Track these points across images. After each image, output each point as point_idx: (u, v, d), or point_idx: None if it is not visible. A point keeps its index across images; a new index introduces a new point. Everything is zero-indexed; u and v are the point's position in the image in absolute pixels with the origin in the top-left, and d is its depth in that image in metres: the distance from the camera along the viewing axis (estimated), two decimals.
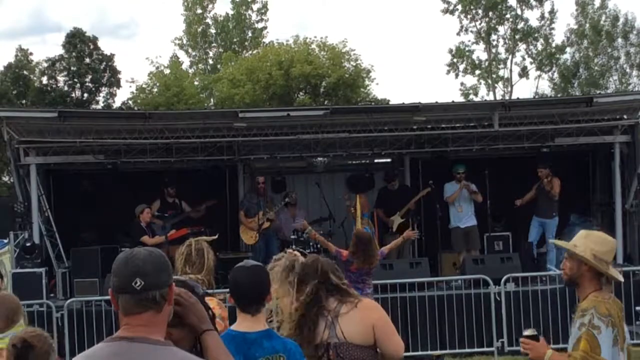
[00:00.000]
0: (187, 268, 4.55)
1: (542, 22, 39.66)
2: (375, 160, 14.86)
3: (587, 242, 3.82)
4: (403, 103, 12.86)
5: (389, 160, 14.63)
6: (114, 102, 35.98)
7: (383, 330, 3.97)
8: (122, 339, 2.30)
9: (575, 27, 40.30)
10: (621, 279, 3.87)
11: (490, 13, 39.69)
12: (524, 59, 40.60)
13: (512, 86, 40.68)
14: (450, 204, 12.28)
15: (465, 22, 40.17)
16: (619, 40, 39.70)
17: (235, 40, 40.92)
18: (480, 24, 40.23)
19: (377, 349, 3.97)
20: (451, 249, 12.49)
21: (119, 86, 36.15)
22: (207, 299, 4.46)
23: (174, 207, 12.30)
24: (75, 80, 34.99)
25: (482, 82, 41.11)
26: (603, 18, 39.74)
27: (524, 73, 40.69)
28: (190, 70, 40.83)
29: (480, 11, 39.82)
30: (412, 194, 12.72)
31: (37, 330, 3.95)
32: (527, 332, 3.91)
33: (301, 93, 33.00)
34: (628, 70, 39.98)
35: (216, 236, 5.53)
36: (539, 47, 40.28)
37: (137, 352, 2.26)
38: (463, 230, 12.15)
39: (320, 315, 3.94)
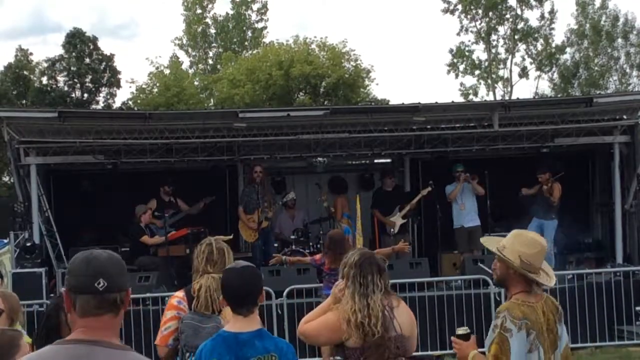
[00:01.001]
0: (209, 267, 4.54)
1: (542, 22, 39.67)
2: (375, 161, 14.87)
3: (515, 243, 3.67)
4: (403, 103, 12.87)
5: (389, 160, 14.64)
6: (114, 102, 36.01)
7: (415, 326, 4.08)
8: (82, 341, 2.24)
9: (576, 27, 40.31)
10: (550, 284, 3.67)
11: (490, 13, 39.66)
12: (523, 59, 40.62)
13: (512, 86, 40.71)
14: (453, 201, 12.24)
15: (465, 22, 40.20)
16: (619, 40, 39.69)
17: (235, 40, 40.91)
18: (480, 24, 40.24)
19: None
20: (451, 249, 12.49)
21: (119, 86, 36.16)
22: None
23: (171, 205, 12.30)
24: (75, 80, 34.98)
25: (482, 82, 41.14)
26: (603, 18, 39.73)
27: (523, 73, 40.69)
28: (190, 71, 40.81)
29: (480, 11, 39.80)
30: (408, 193, 12.68)
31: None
32: (459, 331, 3.88)
33: (301, 93, 32.98)
34: (628, 70, 39.97)
35: (231, 236, 5.50)
36: (539, 47, 40.27)
37: (99, 356, 2.21)
38: (467, 230, 12.12)
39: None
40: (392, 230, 12.41)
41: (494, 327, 3.58)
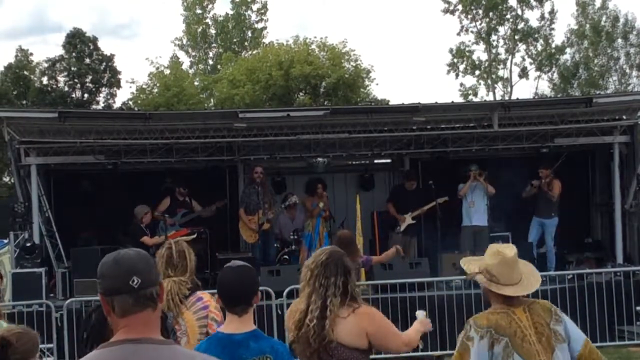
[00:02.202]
0: (170, 271, 4.51)
1: (542, 22, 39.69)
2: (375, 161, 14.87)
3: (485, 257, 3.64)
4: (403, 103, 12.88)
5: (389, 160, 14.65)
6: (114, 102, 36.02)
7: (378, 336, 3.92)
8: (127, 341, 2.24)
9: (576, 27, 40.32)
10: (519, 293, 3.56)
11: (491, 13, 39.68)
12: (523, 59, 40.65)
13: (511, 86, 40.73)
14: (463, 199, 12.21)
15: (465, 22, 40.22)
16: (619, 40, 39.71)
17: (235, 40, 40.92)
18: (480, 24, 40.25)
19: (369, 353, 3.95)
20: (451, 249, 12.47)
21: (119, 86, 36.17)
22: (199, 292, 4.52)
23: (184, 205, 12.32)
24: (76, 80, 34.99)
25: (482, 82, 41.16)
26: (603, 19, 39.75)
27: (523, 73, 40.71)
28: (191, 71, 40.83)
29: (480, 11, 39.83)
30: (427, 197, 12.42)
31: (21, 328, 3.93)
32: None
33: (301, 93, 32.99)
34: (628, 70, 39.99)
35: (194, 235, 5.49)
36: (539, 47, 40.30)
37: (145, 353, 2.21)
38: (472, 229, 12.08)
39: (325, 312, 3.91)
40: (398, 227, 12.37)
41: (461, 337, 3.54)
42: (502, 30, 40.41)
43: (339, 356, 3.85)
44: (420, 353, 10.16)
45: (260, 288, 10.60)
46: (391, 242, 12.46)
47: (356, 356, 3.88)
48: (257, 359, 3.56)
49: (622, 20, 39.43)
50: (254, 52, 38.03)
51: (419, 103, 12.05)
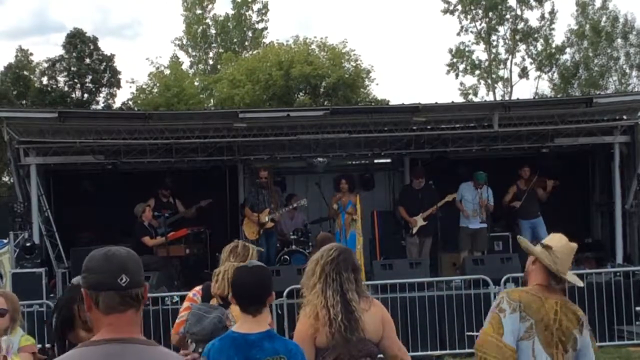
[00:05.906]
0: (231, 257, 4.80)
1: (542, 22, 39.67)
2: (375, 161, 14.87)
3: (550, 239, 3.78)
4: (403, 103, 12.88)
5: (389, 160, 14.65)
6: (114, 102, 35.96)
7: (390, 327, 3.94)
8: (112, 340, 2.22)
9: (575, 27, 40.30)
10: (578, 284, 3.71)
11: (490, 13, 39.67)
12: (523, 59, 40.61)
13: (511, 86, 40.70)
14: (463, 199, 12.19)
15: (465, 22, 40.19)
16: (619, 40, 39.69)
17: (235, 40, 40.92)
18: (480, 24, 40.25)
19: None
20: (451, 250, 12.47)
21: (119, 87, 36.11)
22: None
23: (169, 206, 12.30)
24: (76, 80, 34.95)
25: (482, 82, 41.14)
26: (603, 19, 39.73)
27: (523, 73, 40.68)
28: (190, 71, 40.80)
29: (480, 11, 39.82)
30: (436, 195, 12.27)
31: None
32: None
33: (301, 93, 32.99)
34: (628, 70, 39.94)
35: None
36: (539, 47, 40.28)
37: (131, 353, 2.20)
38: (471, 230, 12.08)
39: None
40: (411, 230, 12.27)
41: (492, 309, 3.61)
42: (502, 30, 40.43)
43: (366, 351, 3.84)
44: (420, 353, 10.20)
45: None
46: (406, 246, 12.39)
47: (375, 351, 3.90)
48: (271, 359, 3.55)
49: (622, 20, 39.42)
50: (254, 52, 38.01)
51: (419, 103, 12.04)
